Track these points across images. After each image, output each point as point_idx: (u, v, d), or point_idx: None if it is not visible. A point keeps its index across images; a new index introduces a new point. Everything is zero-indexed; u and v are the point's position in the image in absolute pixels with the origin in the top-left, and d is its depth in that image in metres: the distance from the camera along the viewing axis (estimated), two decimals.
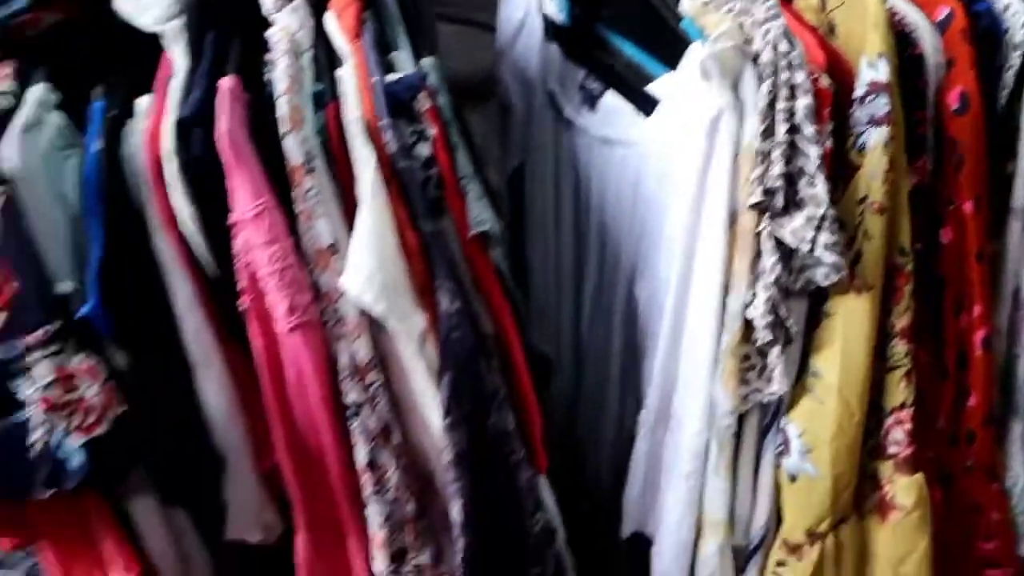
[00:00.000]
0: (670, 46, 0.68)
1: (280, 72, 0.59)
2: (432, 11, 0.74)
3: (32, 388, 0.55)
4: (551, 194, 0.83)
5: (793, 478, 0.68)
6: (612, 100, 0.76)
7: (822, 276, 0.63)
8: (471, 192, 0.65)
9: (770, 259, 0.62)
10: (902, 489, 0.68)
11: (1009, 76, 0.68)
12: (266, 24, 0.62)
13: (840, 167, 0.64)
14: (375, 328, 0.63)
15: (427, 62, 0.66)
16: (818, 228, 0.61)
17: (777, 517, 0.70)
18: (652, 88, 0.70)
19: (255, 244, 0.58)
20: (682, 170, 0.64)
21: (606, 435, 0.83)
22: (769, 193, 0.61)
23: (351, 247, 0.59)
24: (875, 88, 0.62)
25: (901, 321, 0.67)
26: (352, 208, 0.61)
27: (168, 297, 0.61)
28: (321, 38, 0.64)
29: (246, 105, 0.59)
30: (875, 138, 0.63)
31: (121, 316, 0.58)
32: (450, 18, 0.97)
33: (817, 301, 0.66)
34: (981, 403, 0.73)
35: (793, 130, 0.61)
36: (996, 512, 0.77)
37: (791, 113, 0.61)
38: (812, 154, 0.61)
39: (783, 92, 0.61)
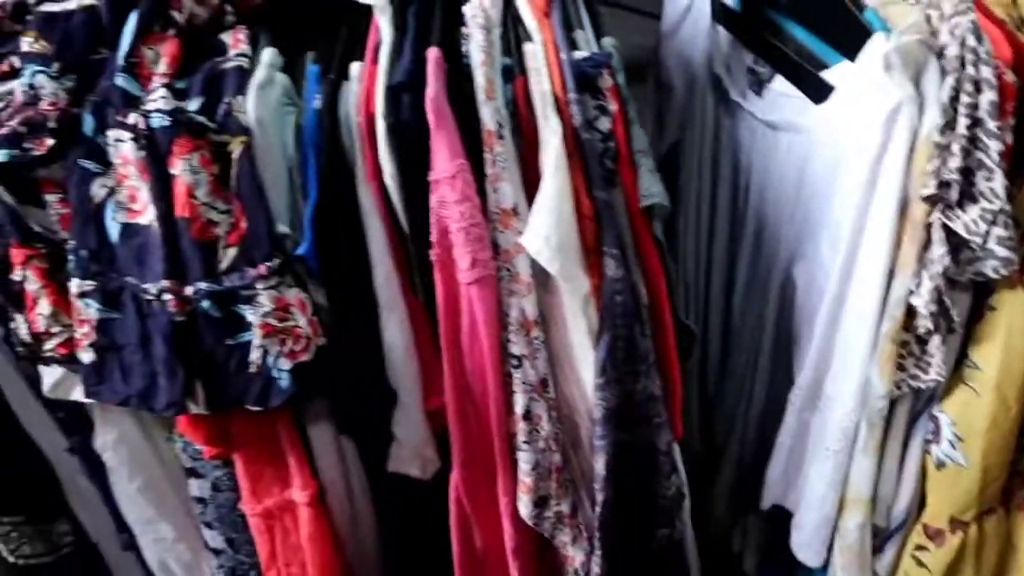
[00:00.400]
0: (846, 34, 0.68)
1: (476, 45, 0.64)
2: None
3: (256, 314, 0.62)
4: (708, 173, 0.84)
5: (940, 465, 0.69)
6: (781, 86, 0.77)
7: (991, 269, 0.63)
8: (643, 166, 0.68)
9: (939, 249, 0.63)
10: None
11: None
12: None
13: (1019, 163, 0.64)
14: (542, 288, 0.68)
15: (608, 41, 0.70)
16: (992, 222, 0.61)
17: (920, 502, 0.71)
18: (827, 75, 0.71)
19: (449, 201, 0.63)
20: (856, 158, 0.65)
21: (753, 411, 0.85)
22: (944, 185, 0.62)
23: (534, 209, 0.63)
24: None
25: None
26: (529, 174, 0.66)
27: (365, 244, 0.67)
28: (508, 15, 0.69)
29: (446, 74, 0.64)
30: None
31: (326, 258, 0.65)
32: (605, 1, 1.01)
33: (982, 294, 0.66)
34: None
35: (974, 124, 0.61)
36: None
37: (974, 107, 0.61)
38: (993, 149, 0.61)
39: (967, 87, 0.61)
